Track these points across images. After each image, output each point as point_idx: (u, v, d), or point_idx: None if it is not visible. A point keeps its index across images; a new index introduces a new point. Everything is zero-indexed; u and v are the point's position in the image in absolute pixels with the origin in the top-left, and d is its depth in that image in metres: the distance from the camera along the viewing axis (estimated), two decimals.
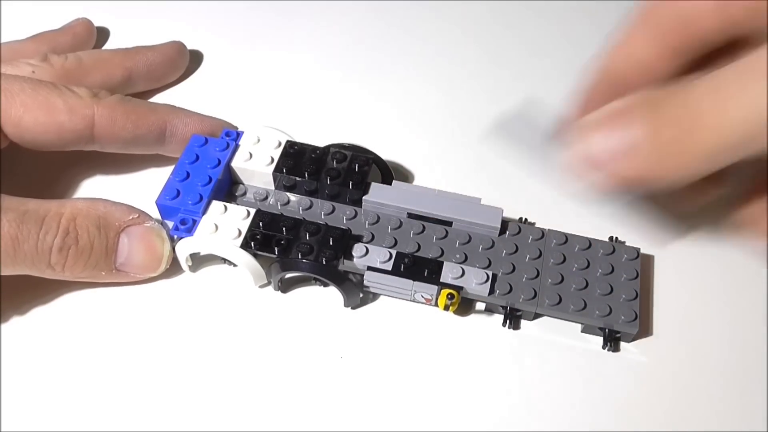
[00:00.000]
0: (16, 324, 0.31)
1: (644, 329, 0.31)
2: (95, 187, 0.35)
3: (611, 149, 0.23)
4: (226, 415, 0.29)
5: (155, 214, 0.32)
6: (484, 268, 0.31)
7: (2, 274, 0.28)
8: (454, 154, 0.38)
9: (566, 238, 0.32)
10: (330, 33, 0.44)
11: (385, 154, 0.35)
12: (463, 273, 0.30)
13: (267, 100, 0.40)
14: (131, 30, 0.42)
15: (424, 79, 0.41)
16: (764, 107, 0.20)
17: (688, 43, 0.26)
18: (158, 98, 0.39)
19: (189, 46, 0.41)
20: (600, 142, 0.24)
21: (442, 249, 0.32)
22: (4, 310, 0.31)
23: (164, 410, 0.29)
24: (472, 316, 0.32)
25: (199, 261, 0.33)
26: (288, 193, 0.33)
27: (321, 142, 0.34)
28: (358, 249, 0.31)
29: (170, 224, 0.32)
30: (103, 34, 0.43)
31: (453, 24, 0.44)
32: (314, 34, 0.43)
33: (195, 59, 0.41)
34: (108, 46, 0.42)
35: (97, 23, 0.42)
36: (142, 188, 0.34)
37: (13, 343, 0.30)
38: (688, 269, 0.33)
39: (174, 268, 0.32)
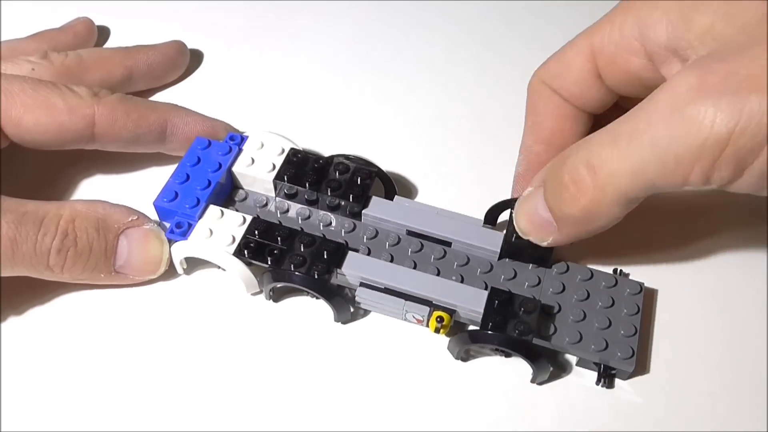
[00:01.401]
0: (14, 325, 0.31)
1: (641, 367, 0.30)
2: (95, 186, 0.36)
3: (533, 226, 0.29)
4: (216, 419, 0.29)
5: (154, 215, 0.32)
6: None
7: (1, 275, 0.29)
8: (462, 169, 0.37)
9: (567, 266, 0.31)
10: (340, 37, 0.43)
11: (391, 166, 0.34)
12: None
13: (268, 102, 0.39)
14: (132, 29, 0.42)
15: (435, 91, 0.40)
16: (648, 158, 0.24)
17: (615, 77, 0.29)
18: (158, 97, 0.39)
19: (189, 46, 0.40)
20: (522, 222, 0.30)
21: (438, 269, 0.31)
22: (3, 310, 0.31)
23: (158, 411, 0.29)
24: None
25: (194, 263, 0.33)
26: (288, 202, 0.33)
27: (326, 149, 0.34)
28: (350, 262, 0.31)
29: (167, 226, 0.32)
30: (103, 33, 0.42)
31: (464, 34, 0.43)
32: (313, 36, 0.42)
33: (195, 59, 0.41)
34: (108, 45, 0.42)
35: (97, 22, 0.41)
36: (142, 188, 0.34)
37: (12, 344, 0.31)
38: (692, 307, 0.32)
39: (171, 270, 0.32)
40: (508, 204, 0.32)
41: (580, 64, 0.30)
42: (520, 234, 0.30)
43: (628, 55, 0.28)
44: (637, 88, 0.29)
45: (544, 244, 0.29)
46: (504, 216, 0.32)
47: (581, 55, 0.30)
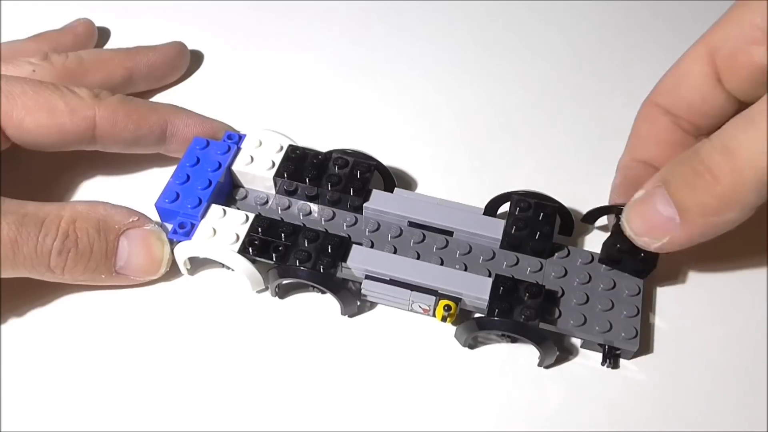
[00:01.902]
0: (15, 326, 0.31)
1: (645, 347, 0.30)
2: (96, 188, 0.35)
3: (648, 226, 0.28)
4: (221, 419, 0.29)
5: (155, 216, 0.32)
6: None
7: (2, 276, 0.28)
8: (459, 161, 0.37)
9: (568, 251, 0.32)
10: (334, 34, 0.43)
11: (389, 160, 0.34)
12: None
13: (268, 101, 0.40)
14: (132, 30, 0.42)
15: (430, 84, 0.41)
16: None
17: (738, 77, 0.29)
18: (159, 98, 0.39)
19: (190, 47, 0.41)
20: (636, 223, 0.28)
21: (441, 258, 0.32)
22: (4, 312, 0.31)
23: (161, 412, 0.29)
24: None
25: (197, 264, 0.32)
26: (289, 198, 0.33)
27: (324, 146, 0.34)
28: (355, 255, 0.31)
29: (169, 227, 0.32)
30: (104, 34, 0.43)
31: (460, 29, 0.44)
32: (318, 36, 0.43)
33: (196, 60, 0.41)
34: (109, 46, 0.42)
35: (98, 23, 0.41)
36: (142, 189, 0.34)
37: (13, 346, 0.30)
38: (692, 287, 0.32)
39: (173, 271, 0.32)
40: (507, 197, 0.32)
41: (698, 70, 0.29)
42: (631, 237, 0.28)
43: (750, 47, 0.27)
44: (760, 87, 0.28)
45: (656, 246, 0.28)
46: (504, 208, 0.32)
47: (698, 60, 0.29)
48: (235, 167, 0.33)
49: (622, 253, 0.30)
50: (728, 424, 0.29)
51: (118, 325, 0.31)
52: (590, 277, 0.31)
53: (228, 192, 0.34)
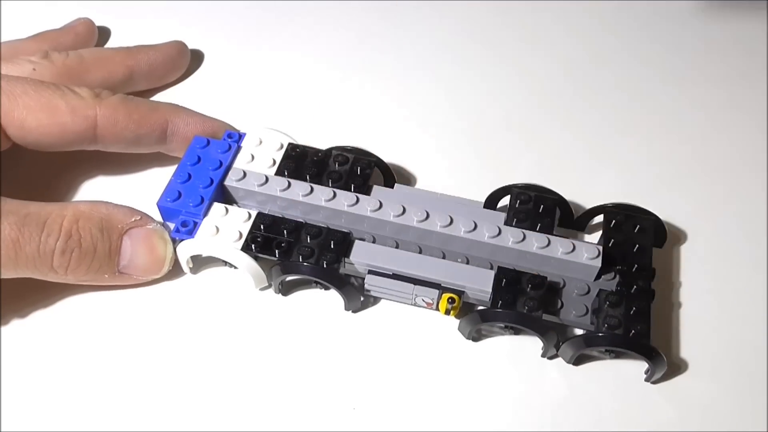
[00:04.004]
0: (17, 328, 0.31)
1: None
2: (97, 187, 0.35)
3: None
4: (226, 417, 0.29)
5: (157, 215, 0.32)
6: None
7: (4, 277, 0.28)
8: (458, 157, 0.37)
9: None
10: (333, 33, 0.43)
11: (389, 156, 0.35)
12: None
13: (268, 100, 0.40)
14: (132, 30, 0.42)
15: (428, 81, 0.41)
16: None
17: None
18: (159, 97, 0.39)
19: (190, 46, 0.41)
20: None
21: (443, 252, 0.32)
22: (5, 313, 0.31)
23: (165, 412, 0.29)
24: None
25: (200, 263, 0.33)
26: None
27: (324, 143, 0.34)
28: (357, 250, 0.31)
29: (171, 226, 0.32)
30: (104, 33, 0.43)
31: (457, 25, 0.44)
32: (317, 35, 0.43)
33: (196, 59, 0.41)
34: (109, 45, 0.42)
35: (98, 23, 0.42)
36: (144, 189, 0.34)
37: (14, 346, 0.30)
38: (692, 282, 0.33)
39: (176, 270, 0.32)
40: (507, 190, 0.33)
41: None
42: None
43: None
44: None
45: None
46: (504, 201, 0.33)
47: None
48: (236, 165, 0.33)
49: (617, 250, 0.31)
50: (728, 424, 0.29)
51: (121, 324, 0.31)
52: None
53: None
